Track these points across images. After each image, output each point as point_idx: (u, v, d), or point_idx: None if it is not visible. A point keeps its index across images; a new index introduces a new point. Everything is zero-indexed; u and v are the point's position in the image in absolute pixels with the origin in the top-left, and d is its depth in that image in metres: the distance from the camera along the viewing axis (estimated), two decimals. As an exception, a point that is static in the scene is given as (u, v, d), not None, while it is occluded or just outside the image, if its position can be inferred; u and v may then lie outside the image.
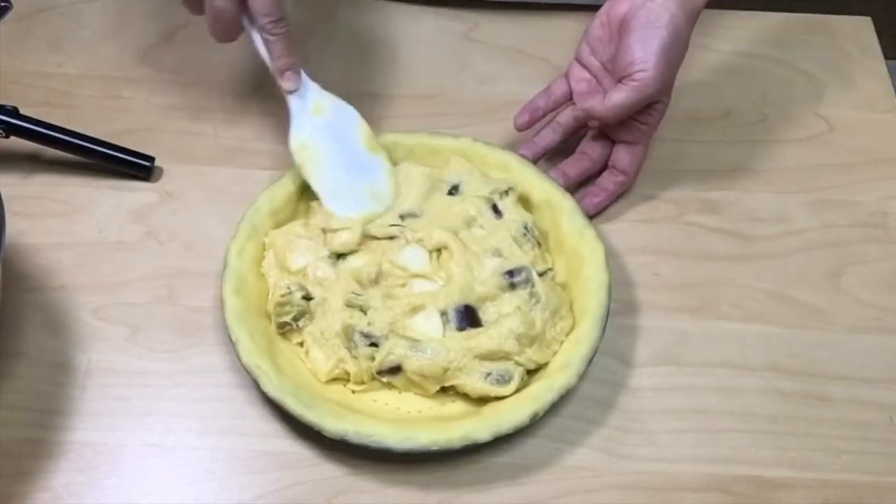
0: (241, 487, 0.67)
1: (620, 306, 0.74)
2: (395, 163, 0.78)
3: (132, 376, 0.71)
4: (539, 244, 0.75)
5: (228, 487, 0.67)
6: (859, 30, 0.94)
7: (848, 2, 1.00)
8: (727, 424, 0.70)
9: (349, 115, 0.77)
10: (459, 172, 0.77)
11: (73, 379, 0.70)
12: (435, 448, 0.64)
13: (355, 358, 0.69)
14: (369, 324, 0.69)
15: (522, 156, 0.79)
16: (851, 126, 0.87)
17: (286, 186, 0.76)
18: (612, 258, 0.74)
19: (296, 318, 0.71)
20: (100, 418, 0.69)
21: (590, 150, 0.80)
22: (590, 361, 0.68)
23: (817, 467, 0.68)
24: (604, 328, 0.70)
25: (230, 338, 0.68)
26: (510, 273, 0.71)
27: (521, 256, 0.73)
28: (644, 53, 0.73)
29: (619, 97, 0.74)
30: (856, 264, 0.78)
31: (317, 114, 0.76)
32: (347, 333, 0.69)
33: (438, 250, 0.73)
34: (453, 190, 0.77)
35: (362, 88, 0.88)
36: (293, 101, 0.75)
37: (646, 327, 0.74)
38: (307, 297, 0.70)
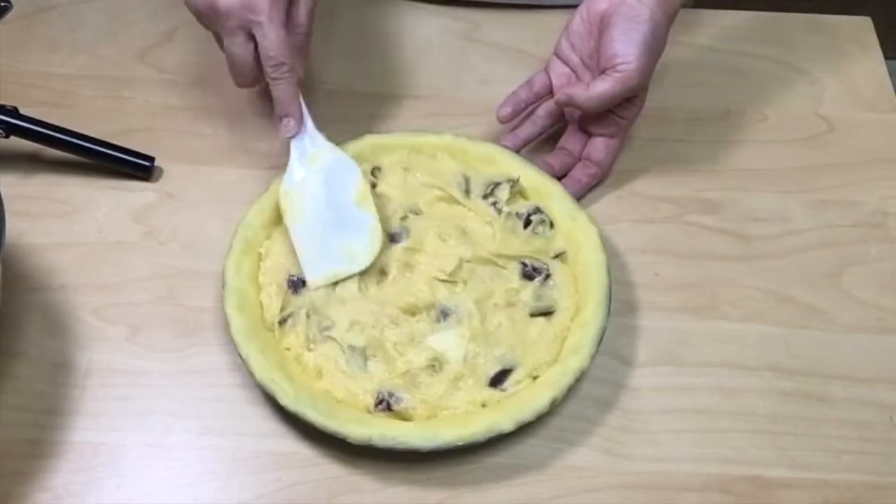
0: (241, 487, 0.67)
1: (620, 306, 0.74)
2: (380, 166, 0.78)
3: (132, 376, 0.71)
4: (552, 224, 0.76)
5: (228, 487, 0.67)
6: (859, 30, 0.94)
7: (848, 2, 1.00)
8: (727, 424, 0.70)
9: (347, 169, 0.75)
10: (455, 173, 0.78)
11: (73, 379, 0.70)
12: (461, 443, 0.65)
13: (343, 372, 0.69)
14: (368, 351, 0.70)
15: (504, 147, 0.80)
16: (851, 126, 0.87)
17: (274, 198, 0.75)
18: (612, 258, 0.74)
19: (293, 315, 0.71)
20: (100, 418, 0.69)
21: (569, 146, 0.82)
22: (600, 342, 0.69)
23: (817, 467, 0.68)
24: (608, 308, 0.70)
25: (240, 355, 0.68)
26: (531, 270, 0.73)
27: (537, 243, 0.74)
28: (627, 47, 0.74)
29: (602, 87, 0.75)
30: (856, 264, 0.78)
31: (312, 163, 0.75)
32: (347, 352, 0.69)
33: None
34: (466, 191, 0.77)
35: (362, 88, 0.88)
36: (293, 147, 0.75)
37: (646, 327, 0.74)
38: (300, 283, 0.72)
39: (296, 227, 0.73)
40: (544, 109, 0.82)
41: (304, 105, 0.75)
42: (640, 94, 0.78)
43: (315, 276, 0.72)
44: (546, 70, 0.82)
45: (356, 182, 0.75)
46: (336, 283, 0.72)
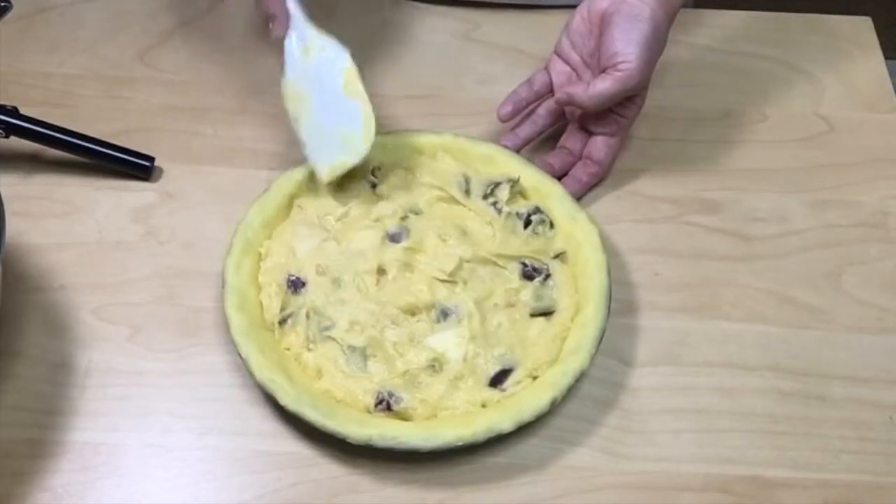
0: (241, 487, 0.67)
1: (620, 306, 0.74)
2: (380, 166, 0.78)
3: (132, 376, 0.71)
4: (552, 224, 0.76)
5: (228, 487, 0.67)
6: (859, 30, 0.94)
7: (848, 2, 1.00)
8: (727, 424, 0.70)
9: (336, 58, 0.75)
10: (456, 173, 0.77)
11: (73, 379, 0.70)
12: (461, 443, 0.65)
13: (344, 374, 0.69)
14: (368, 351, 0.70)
15: (505, 146, 0.80)
16: (851, 126, 0.87)
17: (274, 198, 0.76)
18: (612, 258, 0.74)
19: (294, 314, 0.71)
20: (100, 418, 0.69)
21: (570, 145, 0.82)
22: (600, 342, 0.69)
23: (817, 467, 0.68)
24: (608, 308, 0.70)
25: (240, 355, 0.68)
26: (531, 270, 0.73)
27: (537, 244, 0.74)
28: (627, 45, 0.74)
29: (602, 86, 0.75)
30: (856, 264, 0.78)
31: (305, 56, 0.75)
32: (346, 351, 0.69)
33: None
34: (467, 191, 0.77)
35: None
36: (286, 44, 0.75)
37: (646, 327, 0.74)
38: (300, 283, 0.72)
39: (300, 118, 0.75)
40: (545, 108, 0.82)
41: (290, 2, 0.74)
42: (641, 93, 0.78)
43: (324, 170, 0.74)
44: (546, 69, 0.82)
45: (343, 72, 0.75)
46: (338, 286, 0.72)
